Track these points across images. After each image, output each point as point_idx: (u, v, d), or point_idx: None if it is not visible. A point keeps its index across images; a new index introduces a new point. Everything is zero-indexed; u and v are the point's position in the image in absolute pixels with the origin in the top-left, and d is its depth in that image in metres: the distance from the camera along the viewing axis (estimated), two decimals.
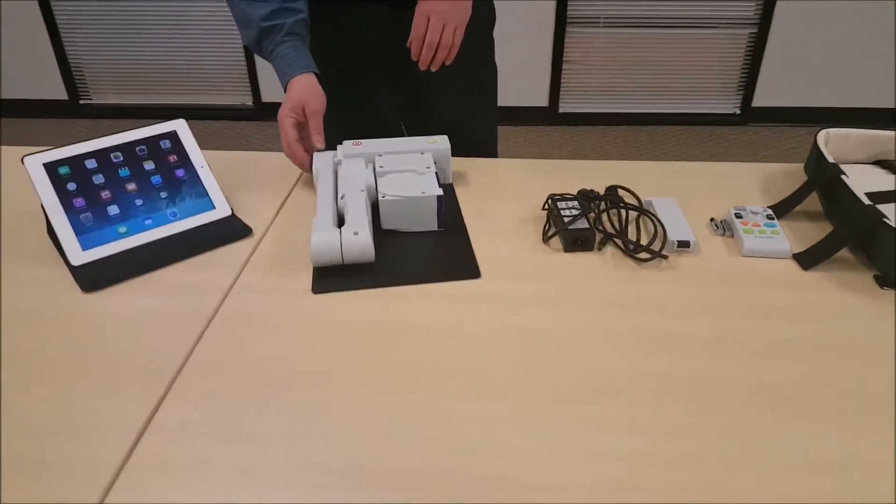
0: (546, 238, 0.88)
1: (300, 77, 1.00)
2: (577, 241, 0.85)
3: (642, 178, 1.03)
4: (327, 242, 0.79)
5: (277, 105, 1.00)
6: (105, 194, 0.87)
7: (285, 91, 1.02)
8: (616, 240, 0.86)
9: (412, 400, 0.63)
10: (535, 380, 0.65)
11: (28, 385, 0.65)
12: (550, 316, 0.74)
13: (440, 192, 0.88)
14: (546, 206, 0.93)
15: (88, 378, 0.66)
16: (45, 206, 0.83)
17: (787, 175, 1.05)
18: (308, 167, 1.01)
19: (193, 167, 0.94)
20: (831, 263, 0.82)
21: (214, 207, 0.93)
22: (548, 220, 0.91)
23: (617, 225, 0.89)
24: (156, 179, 0.91)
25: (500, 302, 0.76)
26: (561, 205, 0.90)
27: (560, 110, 3.30)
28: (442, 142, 1.02)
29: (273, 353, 0.69)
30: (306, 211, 0.96)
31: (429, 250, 0.86)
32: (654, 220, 0.86)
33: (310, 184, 1.03)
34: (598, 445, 0.58)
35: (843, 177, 0.88)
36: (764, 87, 3.20)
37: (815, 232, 0.89)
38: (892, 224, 0.78)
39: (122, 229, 0.86)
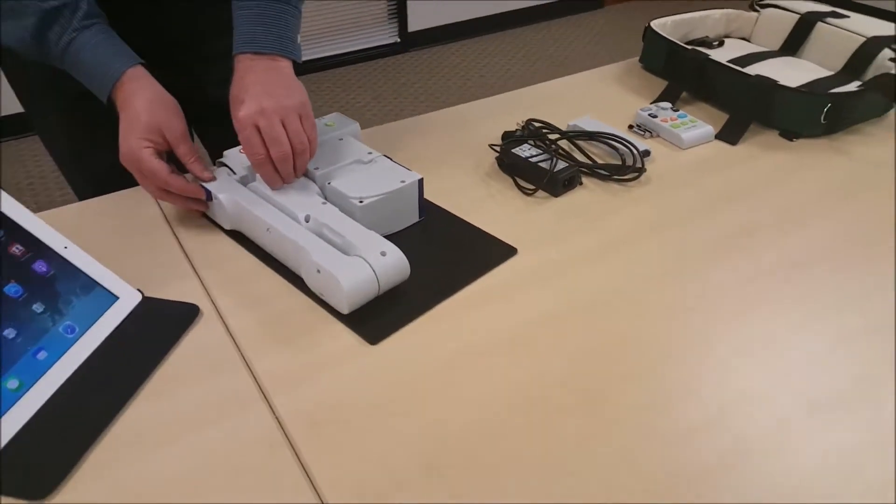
0: (532, 191, 0.80)
1: (133, 80, 0.70)
2: (565, 183, 0.80)
3: (518, 108, 1.00)
4: (361, 277, 0.60)
5: None
6: None
7: (109, 100, 0.71)
8: (585, 169, 0.83)
9: (589, 406, 0.53)
10: (671, 323, 0.61)
11: None
12: (621, 263, 0.69)
13: (419, 175, 0.73)
14: (499, 158, 0.84)
15: None
16: None
17: (628, 72, 1.13)
18: (202, 204, 0.74)
19: (54, 252, 0.61)
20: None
21: (118, 297, 0.62)
22: (509, 172, 0.83)
23: (572, 156, 0.86)
24: (13, 290, 0.56)
25: (564, 268, 0.68)
26: (518, 153, 0.83)
27: None
28: (342, 121, 0.84)
29: (408, 431, 0.51)
30: (227, 257, 0.71)
31: (440, 245, 0.72)
32: (619, 139, 0.85)
33: (188, 222, 0.76)
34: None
35: (711, 57, 0.98)
36: (414, 12, 3.37)
37: (703, 112, 0.98)
38: (786, 84, 0.90)
39: (13, 384, 0.53)
